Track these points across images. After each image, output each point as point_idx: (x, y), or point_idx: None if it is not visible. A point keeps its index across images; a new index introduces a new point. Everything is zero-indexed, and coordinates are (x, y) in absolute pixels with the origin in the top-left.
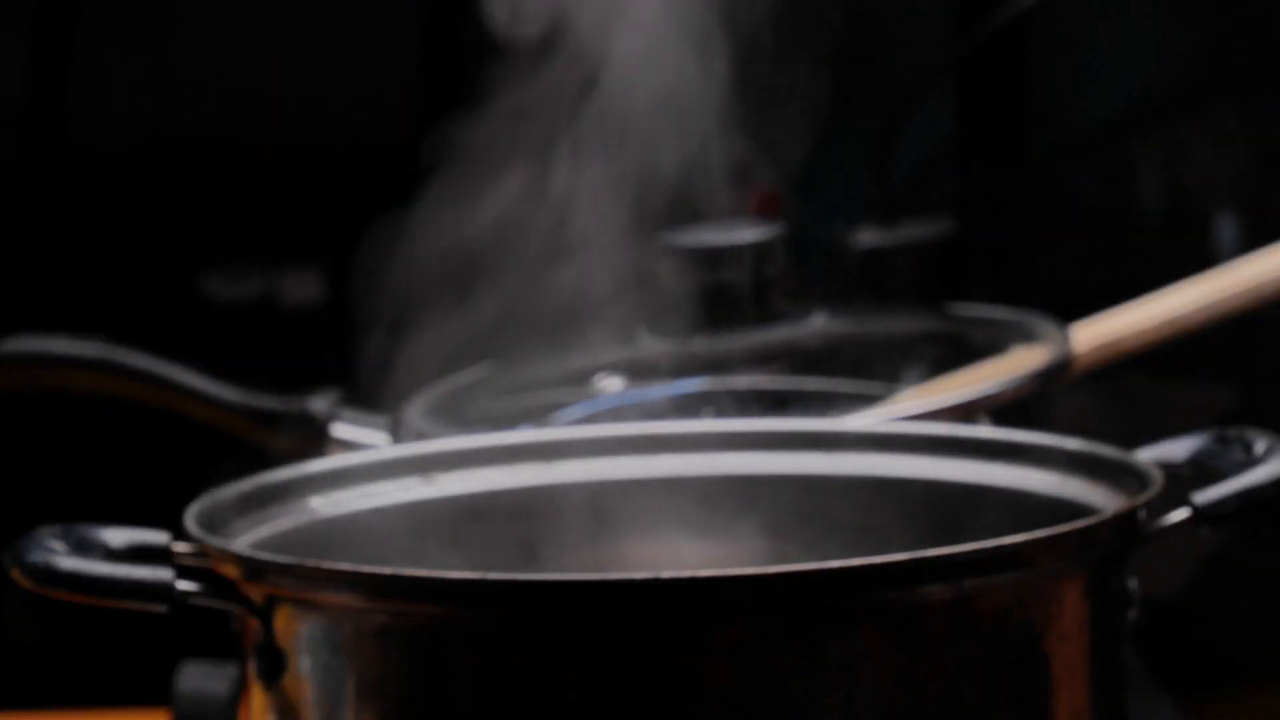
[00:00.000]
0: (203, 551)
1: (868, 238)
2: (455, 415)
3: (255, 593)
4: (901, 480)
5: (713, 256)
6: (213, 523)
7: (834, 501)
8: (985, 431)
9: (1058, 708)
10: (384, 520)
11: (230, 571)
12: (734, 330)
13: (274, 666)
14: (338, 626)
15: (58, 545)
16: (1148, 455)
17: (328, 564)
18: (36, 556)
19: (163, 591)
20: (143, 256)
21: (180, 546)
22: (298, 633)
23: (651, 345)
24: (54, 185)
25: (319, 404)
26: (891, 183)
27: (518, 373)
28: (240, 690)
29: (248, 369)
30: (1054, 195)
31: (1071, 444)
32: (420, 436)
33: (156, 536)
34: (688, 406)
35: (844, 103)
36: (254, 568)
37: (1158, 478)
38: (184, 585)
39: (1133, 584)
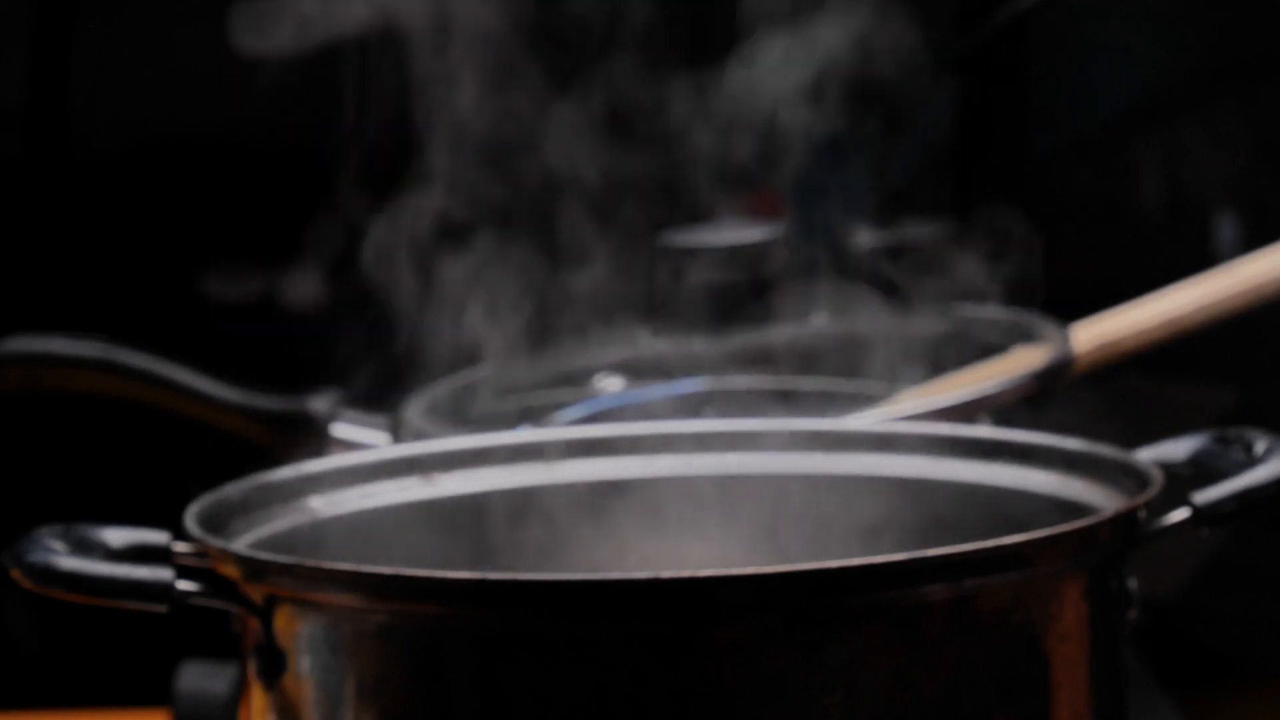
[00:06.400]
0: (203, 551)
1: (868, 238)
2: (455, 415)
3: (255, 593)
4: (901, 480)
5: (713, 256)
6: (213, 523)
7: (834, 501)
8: (985, 431)
9: (1058, 708)
10: (384, 520)
11: (230, 571)
12: (734, 330)
13: (274, 666)
14: (338, 626)
15: (58, 545)
16: (1148, 455)
17: (328, 564)
18: (36, 556)
19: (163, 591)
20: (143, 256)
21: (180, 546)
22: (298, 633)
23: (651, 345)
24: (54, 185)
25: (319, 404)
26: (891, 183)
27: (518, 373)
28: (240, 690)
29: (248, 369)
30: (1054, 195)
31: (1071, 444)
32: (420, 436)
33: (156, 536)
34: (688, 406)
35: (844, 102)
36: (254, 568)
37: (1158, 478)
38: (184, 585)
39: (1133, 584)
